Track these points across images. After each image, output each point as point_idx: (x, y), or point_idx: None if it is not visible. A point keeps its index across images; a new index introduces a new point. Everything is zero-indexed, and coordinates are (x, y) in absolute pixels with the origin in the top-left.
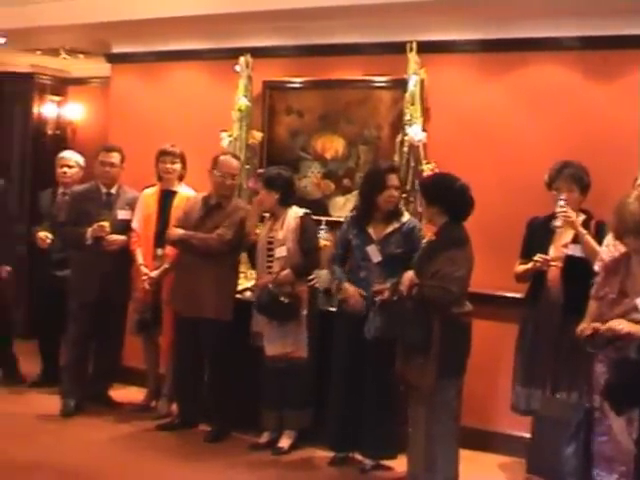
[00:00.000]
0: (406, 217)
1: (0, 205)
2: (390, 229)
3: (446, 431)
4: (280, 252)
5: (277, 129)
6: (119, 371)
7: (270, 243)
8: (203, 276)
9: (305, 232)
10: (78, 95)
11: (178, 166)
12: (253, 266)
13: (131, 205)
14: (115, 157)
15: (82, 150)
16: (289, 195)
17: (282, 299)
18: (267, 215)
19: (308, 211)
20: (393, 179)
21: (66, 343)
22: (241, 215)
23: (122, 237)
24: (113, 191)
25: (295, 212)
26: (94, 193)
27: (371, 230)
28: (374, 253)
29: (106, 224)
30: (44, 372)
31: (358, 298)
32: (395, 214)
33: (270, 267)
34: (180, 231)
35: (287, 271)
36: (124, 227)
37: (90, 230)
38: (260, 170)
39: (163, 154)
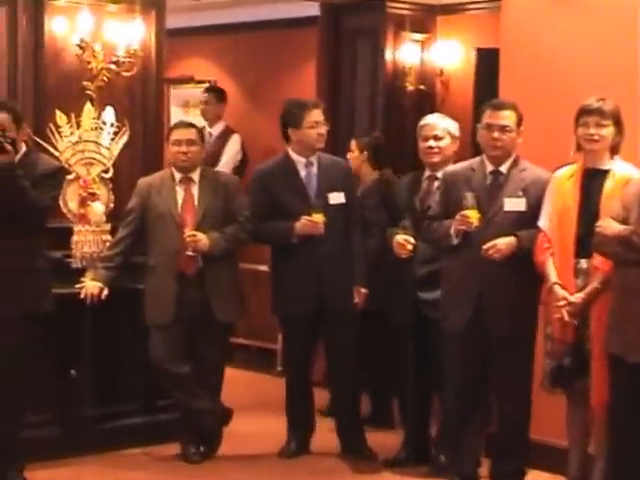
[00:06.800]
0: None
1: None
2: None
3: None
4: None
5: None
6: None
7: None
8: None
9: None
10: (451, 30)
11: (608, 131)
12: None
13: (528, 191)
14: (511, 118)
15: (458, 112)
16: None
17: None
18: None
19: None
20: None
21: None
22: None
23: None
24: (503, 169)
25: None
26: (476, 174)
27: None
28: None
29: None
30: (406, 445)
31: None
32: None
33: None
34: (618, 226)
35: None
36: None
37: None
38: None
39: (584, 113)
